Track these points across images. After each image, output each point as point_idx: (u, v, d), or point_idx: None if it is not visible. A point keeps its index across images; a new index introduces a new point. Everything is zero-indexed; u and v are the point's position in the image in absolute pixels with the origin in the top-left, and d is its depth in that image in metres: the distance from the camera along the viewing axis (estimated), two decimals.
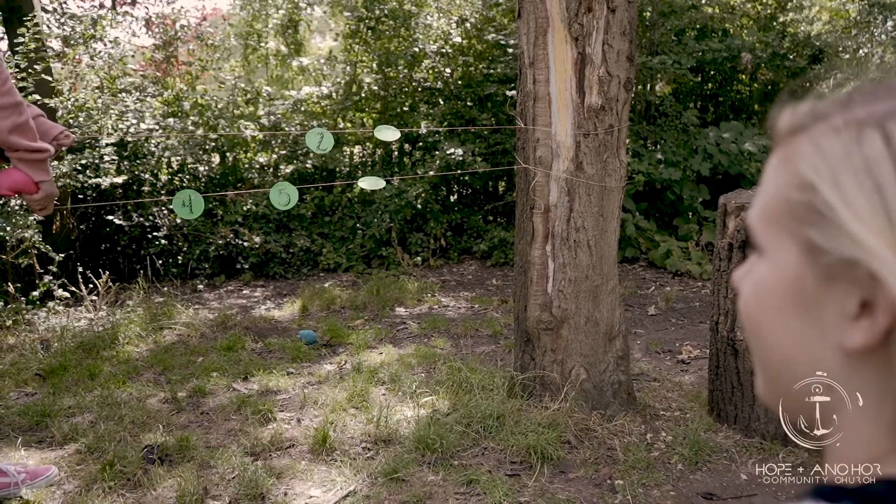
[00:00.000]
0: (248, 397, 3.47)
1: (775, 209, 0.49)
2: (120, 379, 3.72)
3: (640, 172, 6.55)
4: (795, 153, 0.48)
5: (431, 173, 6.75)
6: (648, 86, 7.38)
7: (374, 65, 7.41)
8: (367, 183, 2.82)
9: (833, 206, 0.44)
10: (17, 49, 5.43)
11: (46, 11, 6.36)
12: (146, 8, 9.23)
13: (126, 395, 3.53)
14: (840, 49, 7.40)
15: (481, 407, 3.02)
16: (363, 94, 7.42)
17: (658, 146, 7.15)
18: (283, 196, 2.63)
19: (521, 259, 3.14)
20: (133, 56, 7.26)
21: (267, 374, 3.81)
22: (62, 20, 6.48)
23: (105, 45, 6.72)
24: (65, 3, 6.76)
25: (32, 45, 5.35)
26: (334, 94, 7.40)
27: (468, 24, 7.43)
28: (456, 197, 7.80)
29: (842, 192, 0.44)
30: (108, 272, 5.43)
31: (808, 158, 0.47)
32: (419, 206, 6.97)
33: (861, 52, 7.94)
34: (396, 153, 7.74)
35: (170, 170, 6.89)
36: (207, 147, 6.86)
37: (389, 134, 2.90)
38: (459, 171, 6.97)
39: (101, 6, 8.88)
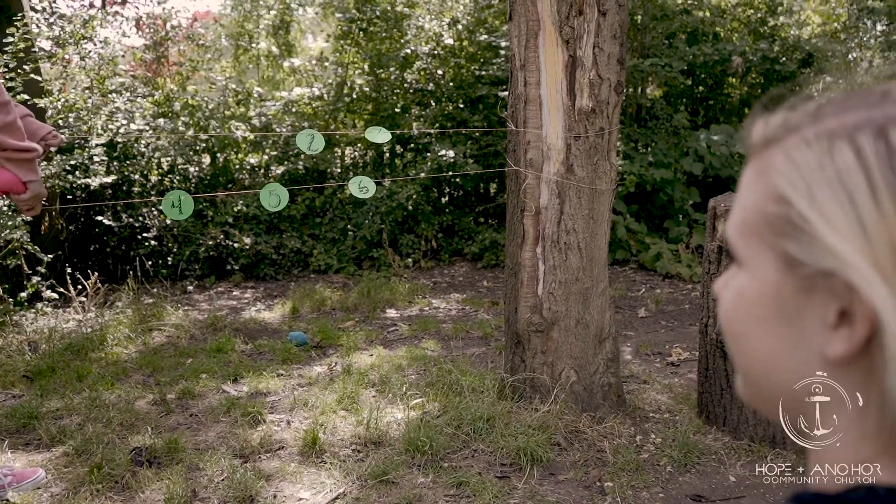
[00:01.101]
0: (237, 399, 3.45)
1: (752, 221, 0.50)
2: (108, 381, 3.70)
3: (632, 173, 6.57)
4: (770, 166, 0.49)
5: (423, 175, 6.75)
6: (640, 88, 7.40)
7: (366, 66, 7.41)
8: (356, 189, 2.79)
9: (808, 218, 0.45)
10: (6, 49, 5.40)
11: (35, 11, 6.32)
12: (136, 8, 9.18)
13: (114, 396, 3.50)
14: (830, 53, 7.45)
15: (471, 409, 3.02)
16: (354, 96, 7.42)
17: (649, 149, 7.17)
18: (274, 197, 2.62)
19: (512, 261, 3.14)
20: (123, 56, 7.22)
21: (257, 376, 3.79)
22: (52, 20, 6.44)
23: (95, 44, 6.68)
24: (54, 2, 6.72)
25: (21, 45, 5.31)
26: (325, 96, 7.39)
27: (460, 26, 7.43)
28: (447, 199, 7.81)
29: (816, 205, 0.45)
30: (96, 273, 5.40)
31: (783, 171, 0.47)
32: (410, 207, 6.97)
33: (851, 56, 8.00)
34: (388, 154, 7.74)
35: (160, 170, 6.87)
36: (198, 148, 6.84)
37: (380, 136, 2.88)
38: (451, 174, 6.98)
39: (91, 6, 8.83)
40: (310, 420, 3.21)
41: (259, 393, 3.58)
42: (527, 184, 2.98)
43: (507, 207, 3.17)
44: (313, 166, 7.07)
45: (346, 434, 3.03)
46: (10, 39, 5.27)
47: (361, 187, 2.83)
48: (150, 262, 6.45)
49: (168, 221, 6.47)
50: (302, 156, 7.18)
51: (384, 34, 7.38)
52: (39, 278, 5.19)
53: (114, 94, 6.39)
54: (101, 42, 6.66)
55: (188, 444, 2.91)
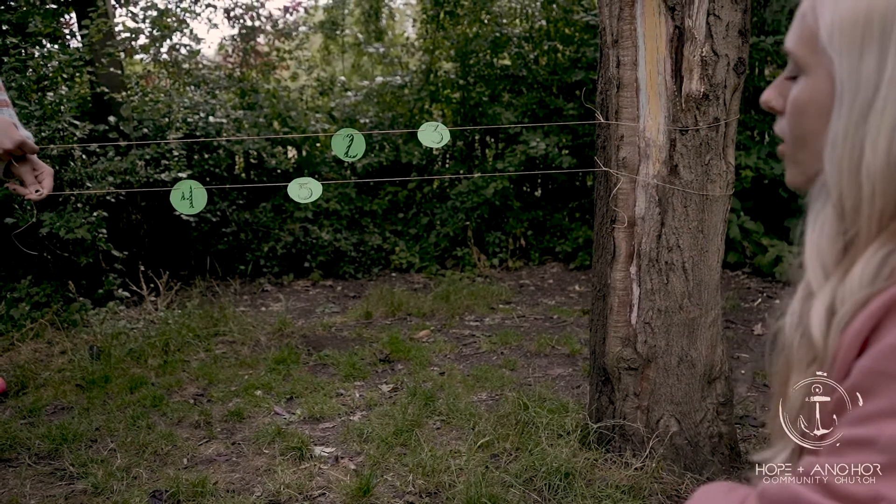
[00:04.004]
0: (286, 426, 3.09)
1: None
2: (159, 395, 3.44)
3: (748, 167, 5.79)
4: None
5: (511, 170, 6.22)
6: (757, 70, 6.56)
7: (453, 52, 6.94)
8: (296, 189, 2.26)
9: None
10: (87, 42, 5.28)
11: (120, 4, 6.23)
12: None
13: (159, 414, 3.24)
14: None
15: (547, 458, 2.51)
16: (440, 84, 6.96)
17: (767, 138, 6.35)
18: (305, 190, 2.23)
19: (600, 281, 2.59)
20: (209, 47, 7.11)
21: (313, 395, 3.44)
22: (136, 12, 6.35)
23: (179, 37, 6.56)
24: None
25: (96, 38, 5.18)
26: (409, 84, 6.98)
27: (555, 6, 6.82)
28: (540, 192, 7.24)
29: None
30: (167, 272, 5.24)
31: None
32: (497, 202, 6.46)
33: None
34: (478, 145, 7.26)
35: (241, 164, 6.71)
36: (279, 140, 6.62)
37: (434, 137, 2.37)
38: (540, 169, 6.41)
39: None
40: (361, 457, 2.80)
41: (312, 418, 3.21)
42: (619, 189, 2.43)
43: (595, 216, 2.62)
44: (396, 158, 6.70)
45: (399, 480, 2.59)
46: (85, 32, 5.15)
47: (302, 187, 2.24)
48: (227, 260, 6.29)
49: (247, 216, 6.28)
50: (385, 148, 6.82)
51: (472, 17, 6.87)
52: (115, 275, 5.07)
53: (193, 87, 6.24)
54: (184, 33, 6.52)
55: (219, 484, 2.56)
